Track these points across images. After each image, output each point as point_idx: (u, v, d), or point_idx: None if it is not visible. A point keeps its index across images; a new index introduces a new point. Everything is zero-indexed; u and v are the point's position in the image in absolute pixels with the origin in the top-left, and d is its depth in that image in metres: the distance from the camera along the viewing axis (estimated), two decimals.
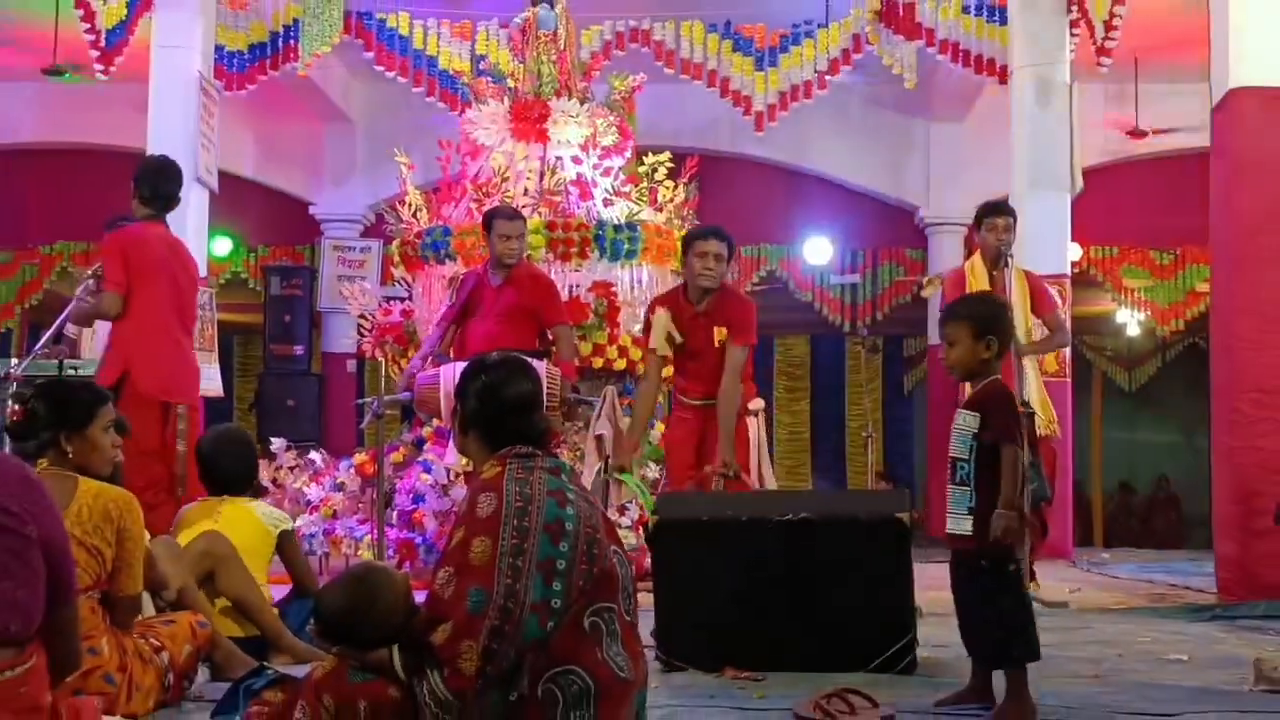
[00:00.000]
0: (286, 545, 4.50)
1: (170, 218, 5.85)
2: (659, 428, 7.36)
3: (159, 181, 5.75)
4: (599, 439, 5.88)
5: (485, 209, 7.28)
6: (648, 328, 5.85)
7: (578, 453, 6.67)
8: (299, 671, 3.12)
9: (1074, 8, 9.00)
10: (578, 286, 7.97)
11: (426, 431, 7.75)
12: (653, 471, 7.23)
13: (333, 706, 2.65)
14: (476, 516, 2.71)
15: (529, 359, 3.24)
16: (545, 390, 3.65)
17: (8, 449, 3.58)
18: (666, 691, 3.71)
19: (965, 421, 3.48)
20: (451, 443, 6.25)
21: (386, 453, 6.96)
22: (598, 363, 7.81)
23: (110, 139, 12.14)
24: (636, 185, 8.59)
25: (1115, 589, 7.33)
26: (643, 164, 8.60)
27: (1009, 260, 6.72)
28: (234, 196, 11.49)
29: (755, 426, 5.72)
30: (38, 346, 5.99)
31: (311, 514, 7.36)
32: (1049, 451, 6.66)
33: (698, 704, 3.58)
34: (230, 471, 4.54)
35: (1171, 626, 5.53)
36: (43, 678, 2.46)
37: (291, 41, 10.66)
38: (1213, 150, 6.73)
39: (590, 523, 2.76)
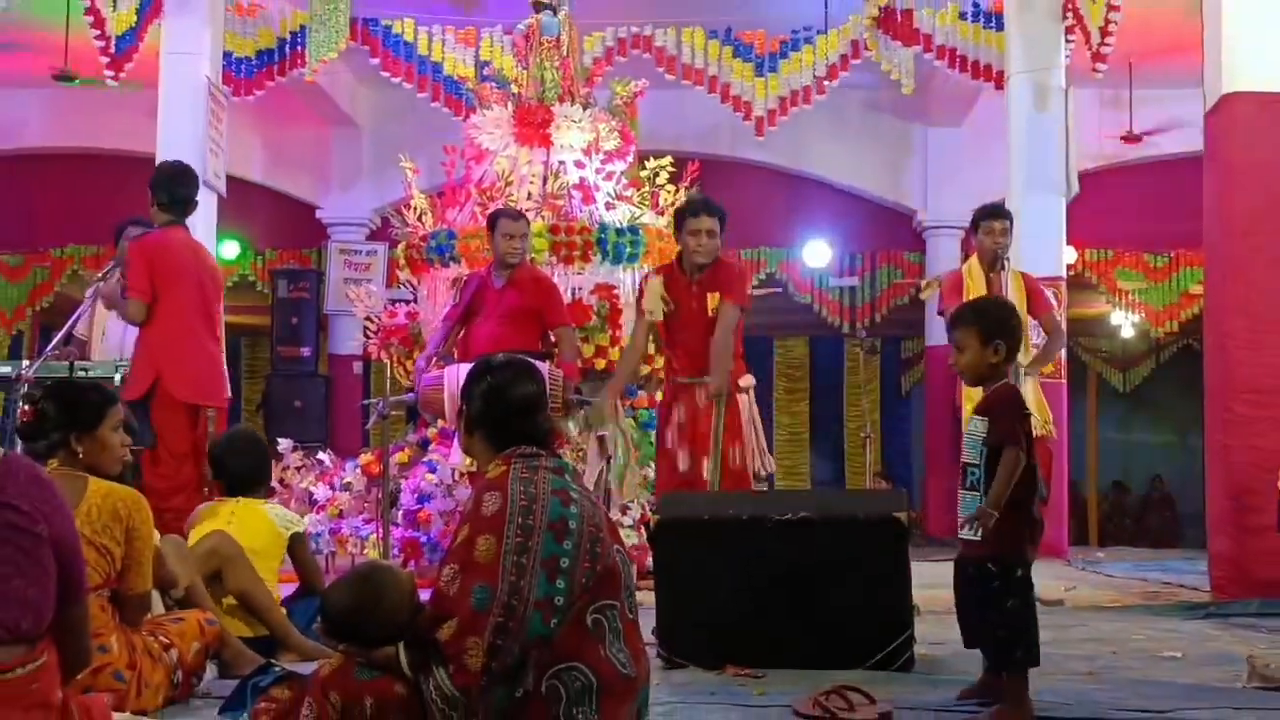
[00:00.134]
0: (297, 547, 4.52)
1: None
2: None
3: (175, 186, 5.82)
4: (601, 439, 5.93)
5: (489, 212, 7.34)
6: (641, 295, 5.87)
7: (580, 453, 6.72)
8: (306, 669, 3.08)
9: (1070, 14, 9.00)
10: (580, 289, 7.99)
11: (431, 432, 7.79)
12: (653, 472, 7.26)
13: (339, 703, 2.65)
14: (481, 515, 2.73)
15: (532, 360, 3.28)
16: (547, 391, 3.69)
17: (19, 449, 3.59)
18: (668, 689, 3.72)
19: (976, 427, 3.51)
20: (456, 443, 6.32)
21: (391, 453, 7.02)
22: (600, 364, 7.84)
23: (120, 144, 12.19)
24: (638, 189, 8.62)
25: (1110, 587, 7.33)
26: (644, 168, 8.61)
27: (1006, 263, 6.79)
28: (242, 201, 11.50)
29: (746, 403, 5.71)
30: (48, 348, 6.06)
31: (318, 513, 7.40)
32: (1044, 452, 6.67)
33: (698, 701, 3.59)
34: (243, 472, 4.56)
35: (1166, 624, 5.55)
36: (53, 675, 2.47)
37: (299, 48, 10.71)
38: (1206, 154, 6.74)
39: (593, 522, 2.78)
